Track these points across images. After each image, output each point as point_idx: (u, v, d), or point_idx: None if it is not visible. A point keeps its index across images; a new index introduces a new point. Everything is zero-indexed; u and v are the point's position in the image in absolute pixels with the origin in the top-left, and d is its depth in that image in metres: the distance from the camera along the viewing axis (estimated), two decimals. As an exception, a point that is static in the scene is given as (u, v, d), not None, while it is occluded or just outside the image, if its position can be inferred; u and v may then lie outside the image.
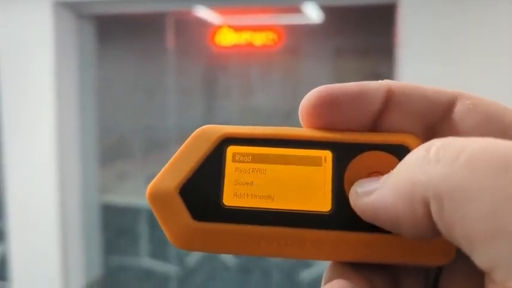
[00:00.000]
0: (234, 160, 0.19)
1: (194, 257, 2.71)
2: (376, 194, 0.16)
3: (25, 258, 2.37)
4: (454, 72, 1.94)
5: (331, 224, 0.18)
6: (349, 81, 0.20)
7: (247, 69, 3.25)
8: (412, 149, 0.18)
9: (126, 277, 2.77)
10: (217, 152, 0.19)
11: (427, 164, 0.14)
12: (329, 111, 0.18)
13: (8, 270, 2.42)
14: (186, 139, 0.20)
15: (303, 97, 0.19)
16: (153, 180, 0.18)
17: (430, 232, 0.15)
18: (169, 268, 2.66)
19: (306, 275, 2.55)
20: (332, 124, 0.19)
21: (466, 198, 0.13)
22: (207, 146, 0.19)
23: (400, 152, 0.18)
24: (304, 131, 0.19)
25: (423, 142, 0.18)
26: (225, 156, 0.19)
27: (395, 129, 0.19)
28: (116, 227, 3.00)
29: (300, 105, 0.19)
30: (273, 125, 0.20)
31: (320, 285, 0.17)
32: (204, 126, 0.19)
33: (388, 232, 0.17)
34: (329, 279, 0.18)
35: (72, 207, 2.40)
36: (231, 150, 0.19)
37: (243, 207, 0.18)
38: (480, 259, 0.13)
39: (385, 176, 0.16)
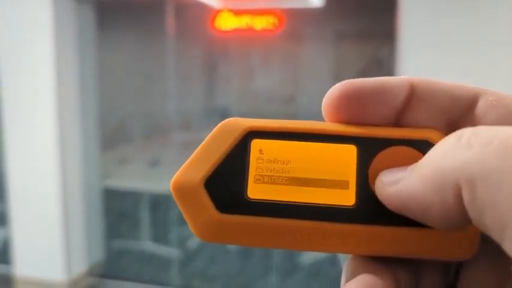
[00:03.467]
0: (258, 153, 0.19)
1: (195, 241, 2.73)
2: (403, 182, 0.16)
3: (27, 243, 2.39)
4: (455, 56, 1.93)
5: (355, 218, 0.18)
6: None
7: (248, 54, 3.23)
8: (436, 143, 0.18)
9: (128, 261, 2.79)
10: (241, 145, 0.19)
11: (458, 151, 0.14)
12: (352, 105, 0.18)
13: (10, 254, 2.44)
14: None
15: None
16: (177, 173, 0.19)
17: (460, 220, 0.15)
18: (171, 252, 2.69)
19: (306, 258, 2.57)
20: (355, 118, 0.19)
21: (500, 181, 0.13)
22: (231, 139, 0.19)
23: (424, 147, 0.18)
24: (328, 125, 0.19)
25: None
26: (250, 149, 0.19)
27: (417, 124, 0.19)
28: (117, 211, 3.02)
29: (324, 99, 0.19)
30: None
31: (319, 269, 0.18)
32: (228, 119, 0.19)
33: (412, 226, 0.17)
34: (352, 273, 0.18)
35: (74, 191, 2.41)
36: (255, 143, 0.19)
37: (268, 200, 0.18)
38: (510, 245, 0.13)
39: (413, 165, 0.16)
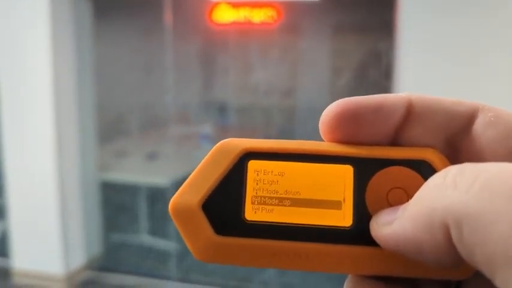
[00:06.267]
0: (255, 174, 0.19)
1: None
2: (395, 223, 0.16)
3: (25, 236, 2.39)
4: (454, 49, 1.93)
5: (352, 239, 0.18)
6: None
7: (246, 47, 3.22)
8: (434, 164, 0.18)
9: (126, 254, 2.79)
10: (238, 167, 0.19)
11: (444, 191, 0.14)
12: (349, 124, 0.18)
13: (8, 247, 2.44)
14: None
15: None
16: (175, 195, 0.19)
17: (452, 258, 0.15)
18: (169, 245, 2.69)
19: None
20: (353, 137, 0.19)
21: (485, 222, 0.13)
22: (228, 161, 0.19)
23: (421, 167, 0.18)
24: (325, 145, 0.19)
25: (444, 156, 0.18)
26: (246, 170, 0.19)
27: (416, 142, 0.19)
28: (115, 205, 3.01)
29: (321, 119, 0.19)
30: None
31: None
32: (224, 140, 0.19)
33: None
34: None
35: (72, 185, 2.41)
36: (252, 164, 0.19)
37: (265, 221, 0.18)
38: (502, 282, 0.13)
39: (404, 205, 0.16)
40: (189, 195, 0.19)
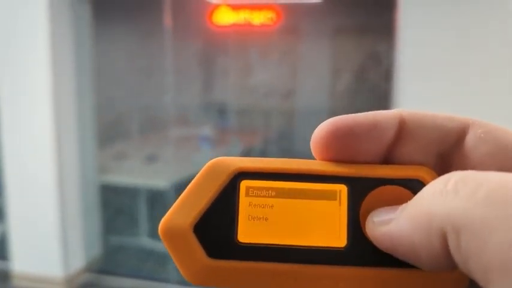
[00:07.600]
0: (247, 195, 0.18)
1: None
2: (393, 223, 0.16)
3: (25, 238, 2.39)
4: (454, 51, 1.92)
5: (346, 259, 0.18)
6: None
7: (246, 49, 3.22)
8: (427, 183, 0.18)
9: (125, 257, 2.79)
10: (230, 187, 0.18)
11: (445, 197, 0.14)
12: (342, 143, 0.18)
13: (8, 250, 2.44)
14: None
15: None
16: (166, 216, 0.18)
17: (447, 264, 0.15)
18: (168, 247, 2.68)
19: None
20: (345, 156, 0.19)
21: (484, 231, 0.13)
22: (220, 181, 0.18)
23: (415, 186, 0.18)
24: (318, 164, 0.19)
25: (437, 173, 0.18)
26: (239, 191, 0.18)
27: (408, 159, 0.19)
28: (114, 207, 3.01)
29: (312, 137, 0.19)
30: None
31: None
32: (215, 159, 0.19)
33: (403, 267, 0.17)
34: None
35: (71, 187, 2.40)
36: (244, 184, 0.18)
37: (258, 243, 0.18)
38: None
39: (403, 206, 0.16)
40: (180, 216, 0.18)
